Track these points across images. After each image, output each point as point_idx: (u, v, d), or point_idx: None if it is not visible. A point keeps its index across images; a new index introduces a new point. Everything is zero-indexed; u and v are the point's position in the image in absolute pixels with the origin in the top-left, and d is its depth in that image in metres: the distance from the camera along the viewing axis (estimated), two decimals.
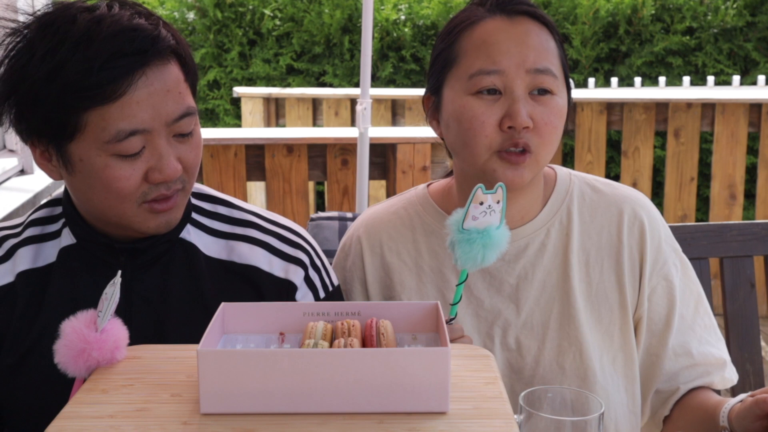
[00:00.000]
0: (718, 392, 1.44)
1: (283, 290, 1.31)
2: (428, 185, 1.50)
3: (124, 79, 1.13)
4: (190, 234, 1.31)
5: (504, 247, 1.05)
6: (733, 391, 1.77)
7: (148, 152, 1.18)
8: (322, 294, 1.35)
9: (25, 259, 1.29)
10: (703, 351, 1.40)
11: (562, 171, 1.45)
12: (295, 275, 1.32)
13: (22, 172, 3.15)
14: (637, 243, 1.38)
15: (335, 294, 1.38)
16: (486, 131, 1.28)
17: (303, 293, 1.32)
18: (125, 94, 1.14)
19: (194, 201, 1.35)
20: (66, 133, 1.16)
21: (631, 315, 1.38)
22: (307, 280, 1.33)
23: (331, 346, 0.95)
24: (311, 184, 4.56)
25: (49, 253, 1.29)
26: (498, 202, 1.02)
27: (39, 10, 1.20)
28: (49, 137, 1.19)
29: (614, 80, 5.32)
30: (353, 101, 4.59)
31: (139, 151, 1.17)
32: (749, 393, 1.25)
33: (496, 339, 1.37)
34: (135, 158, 1.17)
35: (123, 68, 1.13)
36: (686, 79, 5.29)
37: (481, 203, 1.02)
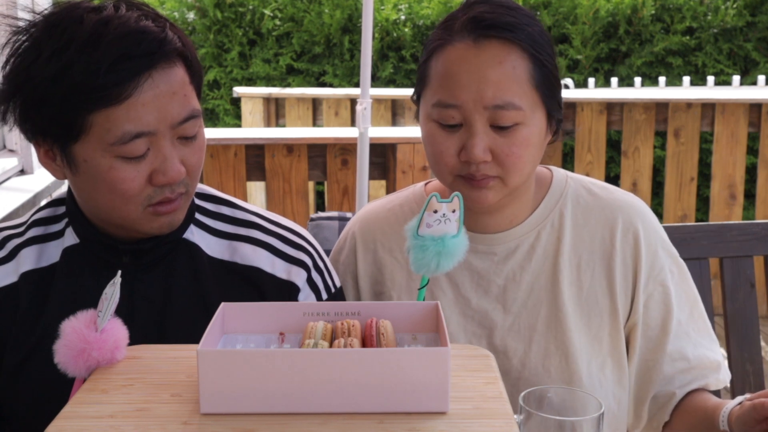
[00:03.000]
0: (718, 393, 1.44)
1: (285, 291, 1.31)
2: (426, 183, 1.50)
3: (131, 81, 1.13)
4: (193, 234, 1.31)
5: (461, 256, 1.04)
6: (733, 392, 1.77)
7: (152, 154, 1.18)
8: (324, 296, 1.35)
9: (28, 260, 1.29)
10: (698, 354, 1.40)
11: (558, 173, 1.44)
12: (298, 277, 1.32)
13: (22, 172, 3.14)
14: (631, 250, 1.37)
15: (338, 296, 1.38)
16: (446, 159, 1.29)
17: (305, 295, 1.32)
18: (131, 97, 1.13)
19: (197, 201, 1.35)
20: (71, 134, 1.16)
21: (623, 322, 1.38)
22: (310, 281, 1.33)
23: (331, 346, 0.95)
24: (311, 184, 4.56)
25: (52, 253, 1.29)
26: (454, 212, 1.02)
27: (45, 10, 1.20)
28: (54, 137, 1.19)
29: (614, 80, 5.32)
30: (353, 101, 4.59)
31: (143, 153, 1.17)
32: (747, 396, 1.25)
33: (482, 339, 1.37)
34: (139, 160, 1.17)
35: (129, 71, 1.13)
36: (686, 79, 5.29)
37: (435, 211, 1.01)
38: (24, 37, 1.17)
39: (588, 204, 1.40)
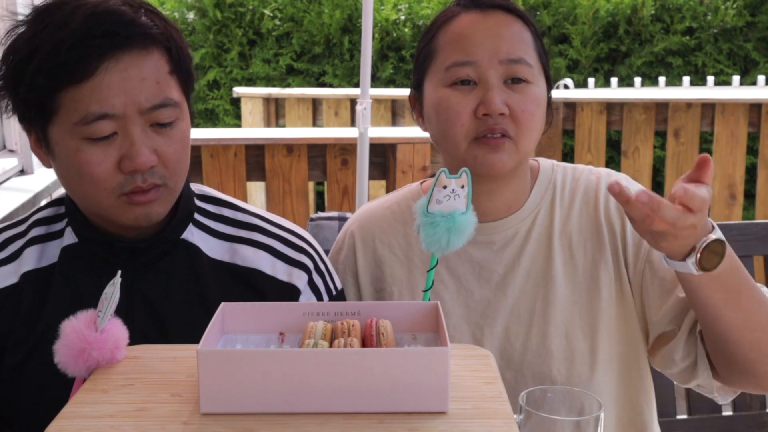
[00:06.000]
0: None
1: (287, 294, 1.31)
2: (422, 182, 1.52)
3: (92, 60, 1.14)
4: (193, 235, 1.31)
5: (470, 233, 1.04)
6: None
7: (120, 139, 1.17)
8: (325, 298, 1.35)
9: (30, 260, 1.29)
10: None
11: (545, 162, 1.48)
12: (299, 279, 1.32)
13: (22, 172, 3.15)
14: (614, 207, 1.39)
15: (339, 298, 1.38)
16: (462, 120, 1.31)
17: (307, 297, 1.32)
18: (94, 76, 1.14)
19: (198, 203, 1.35)
20: (44, 114, 1.18)
21: (627, 287, 1.37)
22: (311, 284, 1.33)
23: (331, 346, 0.95)
24: (311, 184, 4.57)
25: (52, 253, 1.29)
26: (462, 187, 1.02)
27: (43, 2, 1.22)
28: (31, 120, 1.21)
29: (614, 80, 5.32)
30: (353, 101, 4.60)
31: (109, 135, 1.17)
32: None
33: (485, 329, 1.39)
34: (107, 144, 1.17)
35: (91, 49, 1.14)
36: (686, 79, 5.29)
37: (445, 187, 1.02)
38: (22, 29, 1.20)
39: (573, 187, 1.43)
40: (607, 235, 1.38)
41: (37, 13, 1.19)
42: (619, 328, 1.38)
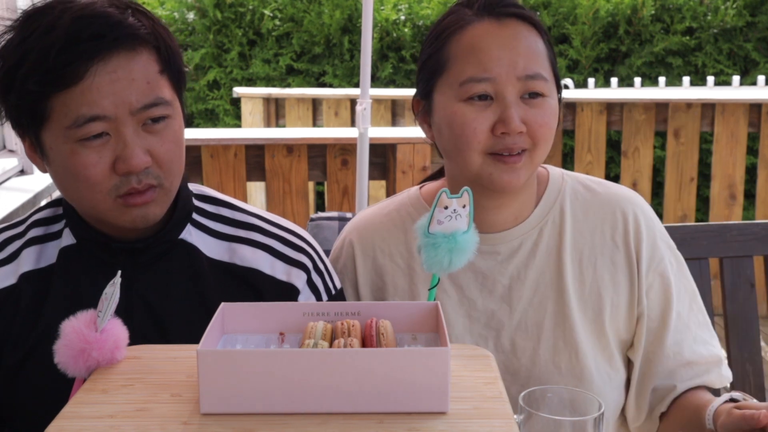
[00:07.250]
0: (718, 391, 1.44)
1: (285, 293, 1.31)
2: (420, 187, 1.49)
3: (81, 64, 1.13)
4: (191, 235, 1.31)
5: (472, 252, 1.03)
6: (733, 390, 1.77)
7: (113, 141, 1.17)
8: (324, 297, 1.34)
9: (29, 261, 1.29)
10: (699, 350, 1.39)
11: (554, 171, 1.45)
12: (298, 279, 1.32)
13: (22, 172, 3.15)
14: (632, 240, 1.38)
15: (338, 297, 1.38)
16: (478, 137, 1.28)
17: (305, 297, 1.32)
18: (84, 80, 1.14)
19: (196, 203, 1.35)
20: (36, 120, 1.18)
21: (627, 314, 1.38)
22: (310, 283, 1.33)
23: (331, 346, 0.95)
24: (311, 185, 4.56)
25: (51, 254, 1.29)
26: (464, 207, 1.01)
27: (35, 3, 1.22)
28: (24, 126, 1.21)
29: (614, 80, 5.31)
30: (353, 101, 4.59)
31: (100, 134, 1.17)
32: (734, 394, 1.25)
33: (489, 340, 1.37)
34: (100, 146, 1.17)
35: (79, 53, 1.13)
36: (686, 79, 5.29)
37: (446, 207, 1.00)
38: (10, 35, 1.20)
39: (586, 200, 1.40)
40: (623, 258, 1.38)
41: (25, 17, 1.19)
42: (620, 350, 1.38)
